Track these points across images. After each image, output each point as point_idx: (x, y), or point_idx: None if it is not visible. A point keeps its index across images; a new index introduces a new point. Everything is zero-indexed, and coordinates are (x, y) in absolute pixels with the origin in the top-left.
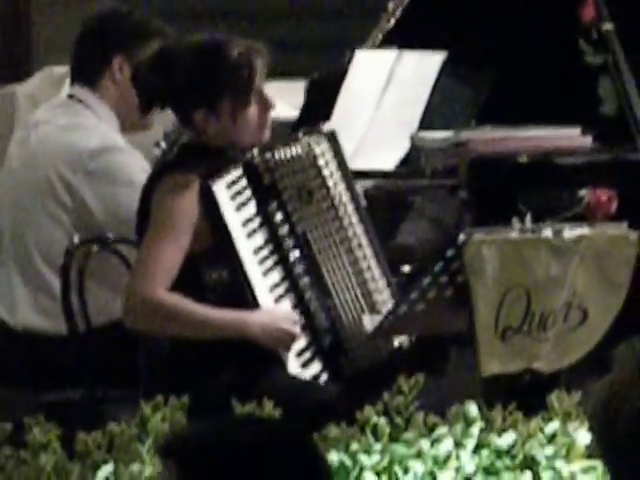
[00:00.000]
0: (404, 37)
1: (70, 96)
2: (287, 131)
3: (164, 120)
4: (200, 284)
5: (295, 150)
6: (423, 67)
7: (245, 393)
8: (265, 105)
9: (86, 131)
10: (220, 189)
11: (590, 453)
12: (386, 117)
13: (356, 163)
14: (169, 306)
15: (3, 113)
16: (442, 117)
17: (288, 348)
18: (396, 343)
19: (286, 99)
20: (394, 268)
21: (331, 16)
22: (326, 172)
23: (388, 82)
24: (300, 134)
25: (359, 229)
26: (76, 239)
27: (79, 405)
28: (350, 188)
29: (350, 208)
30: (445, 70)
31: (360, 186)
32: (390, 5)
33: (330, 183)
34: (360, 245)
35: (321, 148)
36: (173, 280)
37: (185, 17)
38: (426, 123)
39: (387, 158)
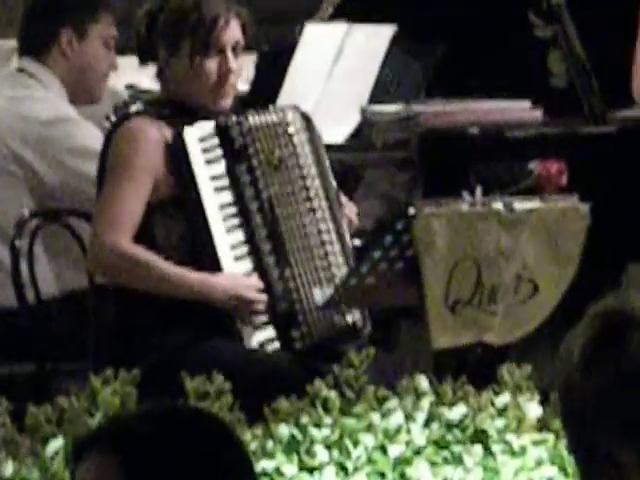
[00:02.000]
0: (354, 10)
1: (19, 69)
2: (236, 104)
3: (114, 95)
4: (153, 235)
5: (269, 117)
6: (373, 40)
7: (195, 363)
8: (226, 65)
9: (36, 102)
10: (191, 138)
11: (541, 426)
12: (336, 90)
13: None
14: (134, 258)
15: None
16: (392, 90)
17: (247, 317)
18: (350, 319)
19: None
20: None
21: None
22: (297, 141)
23: (338, 55)
24: (271, 107)
25: (324, 202)
26: (26, 212)
27: (29, 378)
28: (320, 163)
29: (317, 182)
30: (395, 43)
31: None
32: None
33: (300, 152)
34: (324, 218)
35: (293, 117)
36: (136, 225)
37: None
38: (376, 96)
39: (337, 131)
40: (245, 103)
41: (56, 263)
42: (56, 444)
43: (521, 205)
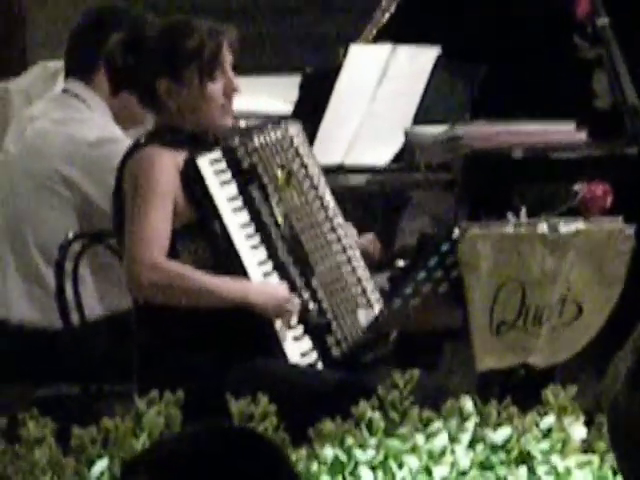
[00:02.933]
0: (398, 32)
1: (64, 90)
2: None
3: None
4: (179, 260)
5: (272, 134)
6: (417, 62)
7: (239, 383)
8: (230, 87)
9: (82, 124)
10: (204, 163)
11: (585, 448)
12: (380, 112)
13: (350, 158)
14: (172, 272)
15: None
16: (437, 112)
17: (288, 319)
18: None
19: (280, 94)
20: (390, 263)
21: (326, 12)
22: (302, 151)
23: (382, 77)
24: (269, 124)
25: (338, 209)
26: (70, 234)
27: (74, 400)
28: (321, 171)
29: (328, 190)
30: (439, 65)
31: (355, 182)
32: (384, 1)
33: (308, 162)
34: (340, 224)
35: (296, 130)
36: (167, 243)
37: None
38: (420, 118)
39: (381, 153)
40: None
41: (100, 284)
42: (101, 465)
43: (566, 227)
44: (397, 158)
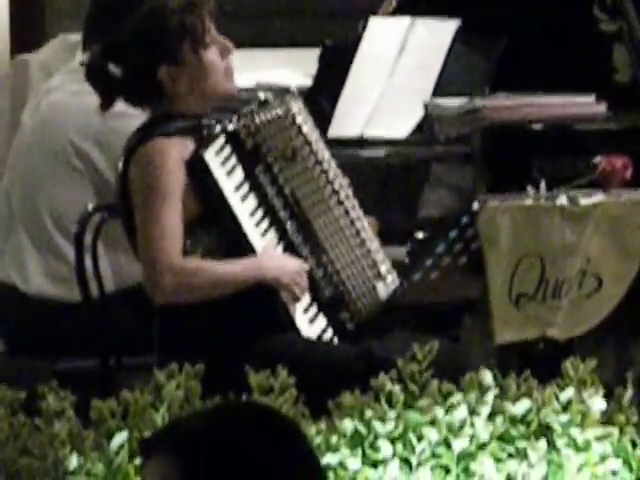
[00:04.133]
0: (418, 4)
1: (82, 63)
2: (302, 99)
3: None
4: (191, 255)
5: (274, 111)
6: (437, 34)
7: (259, 356)
8: (224, 48)
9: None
10: (211, 156)
11: (605, 420)
12: (400, 84)
13: (370, 130)
14: (190, 272)
15: (17, 82)
16: (456, 84)
17: (300, 290)
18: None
19: (299, 67)
20: (410, 234)
21: None
22: (306, 129)
23: (402, 49)
24: (270, 96)
25: (344, 181)
26: (90, 206)
27: (93, 373)
28: (326, 144)
29: (333, 164)
30: (459, 37)
31: (374, 154)
32: None
33: (312, 139)
34: (347, 196)
35: (297, 106)
36: (181, 241)
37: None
38: (440, 90)
39: (401, 125)
40: (308, 98)
41: (119, 257)
42: (120, 438)
43: (585, 199)
44: (416, 130)
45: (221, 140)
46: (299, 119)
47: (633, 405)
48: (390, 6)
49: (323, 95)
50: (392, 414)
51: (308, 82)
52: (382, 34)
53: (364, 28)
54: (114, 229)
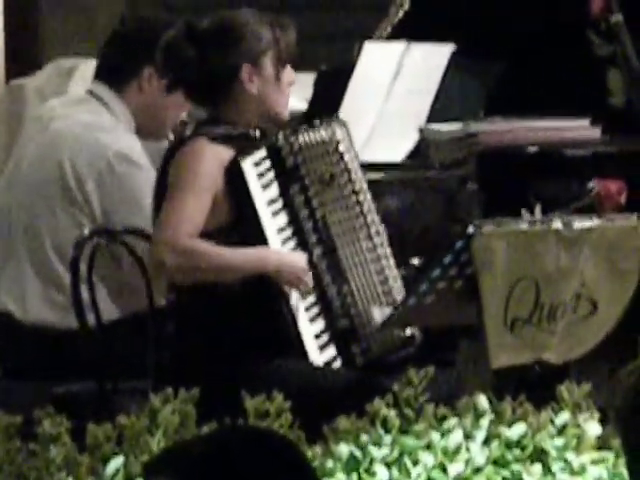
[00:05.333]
0: (413, 29)
1: (90, 92)
2: (296, 123)
3: None
4: None
5: (318, 134)
6: (432, 59)
7: (257, 381)
8: (290, 80)
9: (107, 132)
10: (248, 167)
11: (600, 444)
12: (395, 109)
13: (365, 155)
14: (193, 249)
15: (12, 106)
16: (451, 109)
17: (302, 288)
18: (408, 332)
19: (295, 91)
20: (405, 260)
21: (340, 8)
22: (347, 157)
23: (397, 74)
24: (319, 121)
25: (377, 217)
26: (86, 231)
27: (89, 397)
28: (365, 176)
29: (369, 196)
30: (454, 62)
31: (369, 178)
32: None
33: (351, 168)
34: (378, 232)
35: (342, 134)
36: (198, 230)
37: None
38: (435, 115)
39: (396, 150)
40: (304, 122)
41: (115, 282)
42: (116, 463)
43: (580, 224)
44: (412, 155)
45: (262, 153)
46: (342, 146)
47: None
48: (385, 30)
49: (318, 119)
50: (388, 439)
51: (304, 106)
52: (377, 58)
53: (359, 52)
54: (110, 254)
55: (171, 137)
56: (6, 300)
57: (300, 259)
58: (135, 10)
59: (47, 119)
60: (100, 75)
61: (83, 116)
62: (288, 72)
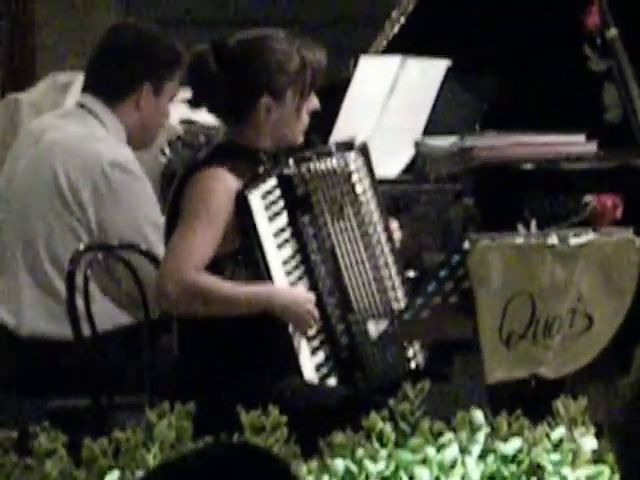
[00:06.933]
0: (408, 44)
1: (80, 105)
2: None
3: (167, 129)
4: None
5: (330, 164)
6: (427, 73)
7: (253, 398)
8: (311, 106)
9: (98, 142)
10: (255, 198)
11: (596, 459)
12: (390, 123)
13: None
14: (199, 284)
15: (7, 121)
16: (446, 123)
17: (307, 329)
18: (413, 364)
19: None
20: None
21: (335, 23)
22: (359, 189)
23: (392, 88)
24: (333, 147)
25: (387, 248)
26: (81, 245)
27: (85, 412)
28: (380, 205)
29: (380, 227)
30: (449, 76)
31: None
32: (394, 12)
33: (362, 200)
34: (387, 264)
35: (356, 164)
36: (205, 263)
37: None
38: (430, 129)
39: (391, 164)
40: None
41: (107, 299)
42: (112, 477)
43: (576, 238)
44: (407, 169)
45: (273, 182)
46: (355, 177)
47: None
48: (381, 45)
49: (314, 134)
50: (383, 453)
51: None
52: (373, 73)
53: (355, 67)
54: (106, 268)
55: (167, 151)
56: (1, 312)
57: (307, 300)
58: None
59: (39, 132)
60: (91, 88)
61: (74, 127)
62: (311, 99)
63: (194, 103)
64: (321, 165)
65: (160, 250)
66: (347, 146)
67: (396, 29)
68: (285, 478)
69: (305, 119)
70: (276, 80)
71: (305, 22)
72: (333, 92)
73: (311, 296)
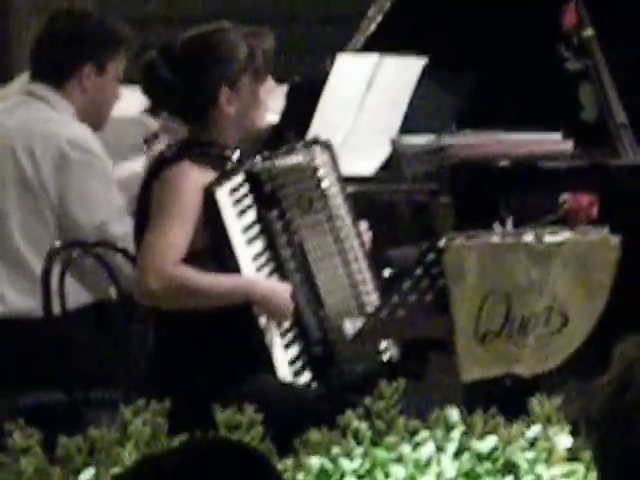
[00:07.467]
0: (385, 42)
1: (28, 93)
2: (267, 135)
3: (140, 123)
4: None
5: (296, 159)
6: (404, 72)
7: (228, 396)
8: (270, 89)
9: (54, 123)
10: (223, 194)
11: (571, 457)
12: (367, 121)
13: None
14: (179, 277)
15: None
16: (423, 122)
17: (284, 320)
18: (386, 357)
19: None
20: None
21: (312, 21)
22: (326, 183)
23: (369, 86)
24: (299, 144)
25: (356, 242)
26: (57, 243)
27: (60, 409)
28: (347, 200)
29: (348, 220)
30: (426, 75)
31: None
32: (371, 10)
33: (329, 194)
34: (356, 257)
35: (322, 159)
36: (182, 257)
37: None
38: (407, 127)
39: (368, 162)
40: (275, 133)
41: (85, 292)
42: (87, 474)
43: (552, 237)
44: (384, 167)
45: (240, 178)
46: (321, 171)
47: None
48: (358, 43)
49: (290, 132)
50: (359, 451)
51: (276, 118)
52: (350, 71)
53: (332, 65)
54: (81, 266)
55: (146, 148)
56: None
57: (285, 291)
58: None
59: None
60: (36, 75)
61: (26, 113)
62: (267, 82)
63: (152, 111)
64: (287, 161)
65: (120, 231)
66: (312, 142)
67: (373, 27)
68: (268, 474)
69: (264, 103)
70: (229, 70)
71: (281, 19)
72: (310, 90)
73: (289, 287)
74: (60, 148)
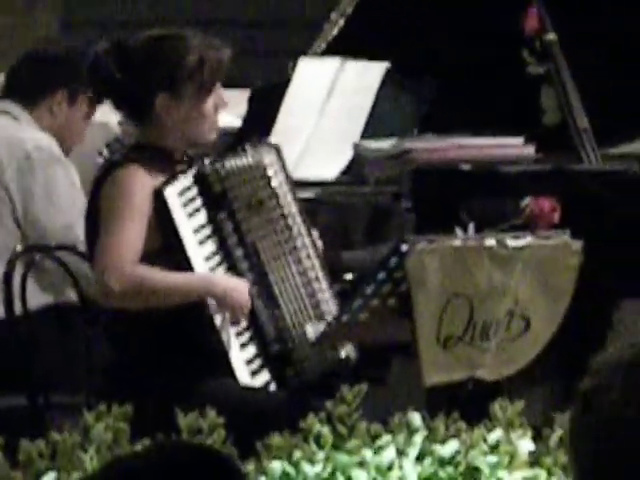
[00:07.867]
0: (347, 46)
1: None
2: (230, 140)
3: (104, 128)
4: None
5: (245, 160)
6: (366, 76)
7: (189, 400)
8: (220, 103)
9: (19, 131)
10: (172, 195)
11: (533, 462)
12: (329, 126)
13: (299, 172)
14: (139, 275)
15: None
16: (385, 126)
17: (243, 317)
18: (343, 354)
19: (229, 108)
20: (337, 276)
21: (274, 25)
22: (275, 182)
23: (331, 91)
24: (247, 145)
25: (307, 240)
26: (19, 247)
27: (21, 412)
28: (296, 199)
29: (299, 219)
30: (387, 79)
31: (303, 195)
32: (333, 15)
33: (280, 193)
34: (309, 255)
35: (270, 159)
36: (139, 256)
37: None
38: (369, 132)
39: (330, 167)
40: (237, 138)
41: (47, 296)
42: (49, 479)
43: (513, 241)
44: (346, 172)
45: (189, 180)
46: (270, 171)
47: (561, 447)
48: (320, 47)
49: (252, 136)
50: (321, 455)
51: (237, 123)
52: (311, 75)
53: (294, 69)
54: (43, 269)
55: (106, 153)
56: None
57: (244, 287)
58: (69, 29)
59: None
60: (8, 93)
61: None
62: (217, 95)
63: (96, 99)
64: (236, 162)
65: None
66: (258, 143)
67: (335, 31)
68: (234, 476)
69: (212, 116)
70: (171, 78)
71: (243, 23)
72: (272, 94)
73: (247, 284)
74: (25, 151)
